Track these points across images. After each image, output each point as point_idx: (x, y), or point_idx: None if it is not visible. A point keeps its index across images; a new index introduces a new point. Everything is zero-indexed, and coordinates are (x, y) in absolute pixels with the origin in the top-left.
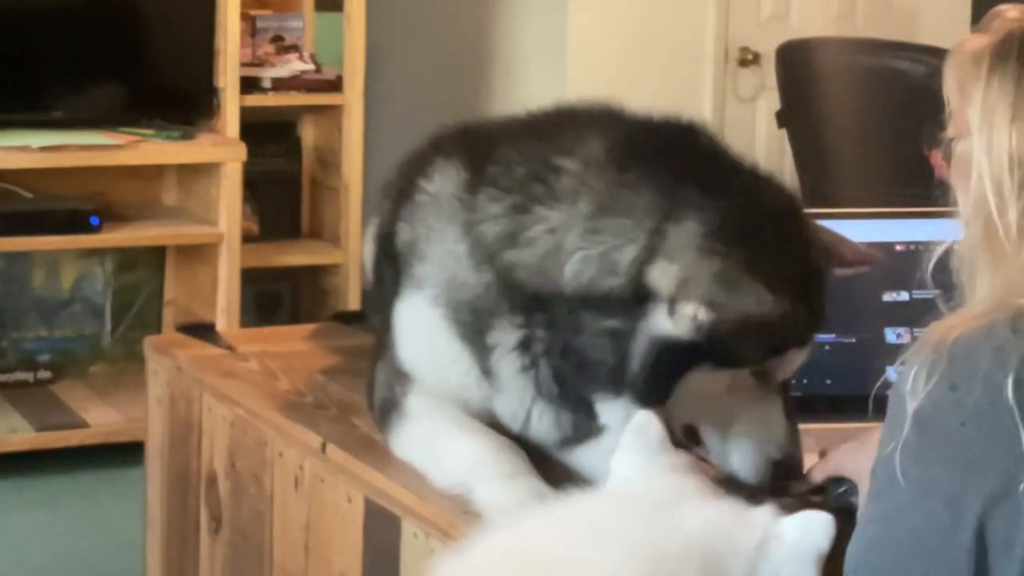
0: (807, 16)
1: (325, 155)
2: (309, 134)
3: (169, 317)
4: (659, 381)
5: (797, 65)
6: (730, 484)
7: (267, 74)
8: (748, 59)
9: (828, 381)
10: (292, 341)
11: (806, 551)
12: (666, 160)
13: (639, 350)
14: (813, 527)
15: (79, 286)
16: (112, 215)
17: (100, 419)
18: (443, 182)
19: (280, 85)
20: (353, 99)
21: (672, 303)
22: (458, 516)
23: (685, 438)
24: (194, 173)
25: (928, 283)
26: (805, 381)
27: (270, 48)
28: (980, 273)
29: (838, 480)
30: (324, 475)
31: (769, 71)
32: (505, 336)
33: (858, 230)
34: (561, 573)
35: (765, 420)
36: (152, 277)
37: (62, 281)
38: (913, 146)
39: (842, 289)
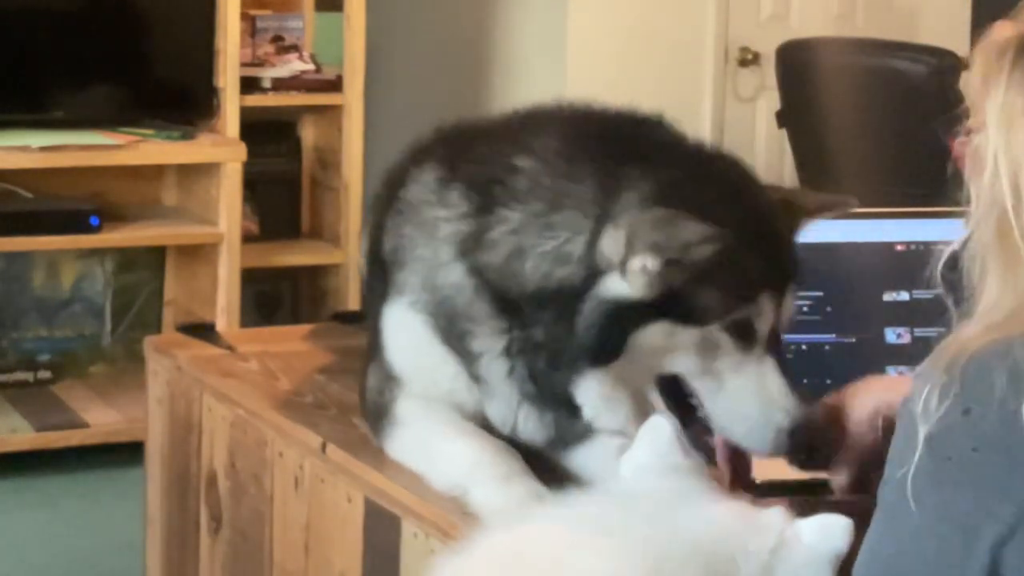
0: (807, 16)
1: (325, 155)
2: (309, 134)
3: (169, 317)
4: (606, 340)
5: (797, 65)
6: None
7: (267, 74)
8: (748, 59)
9: (828, 381)
10: (292, 341)
11: (825, 554)
12: (611, 149)
13: (588, 314)
14: (831, 530)
15: (79, 286)
16: (112, 215)
17: (100, 419)
18: (416, 188)
19: (280, 85)
20: (353, 99)
21: (622, 265)
22: (458, 516)
23: (679, 418)
24: (194, 173)
25: (936, 282)
26: (805, 381)
27: (270, 48)
28: (991, 272)
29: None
30: (324, 475)
31: (769, 71)
32: (491, 342)
33: (858, 230)
34: (561, 574)
35: (760, 384)
36: (152, 277)
37: (62, 281)
38: (913, 146)
39: (842, 289)
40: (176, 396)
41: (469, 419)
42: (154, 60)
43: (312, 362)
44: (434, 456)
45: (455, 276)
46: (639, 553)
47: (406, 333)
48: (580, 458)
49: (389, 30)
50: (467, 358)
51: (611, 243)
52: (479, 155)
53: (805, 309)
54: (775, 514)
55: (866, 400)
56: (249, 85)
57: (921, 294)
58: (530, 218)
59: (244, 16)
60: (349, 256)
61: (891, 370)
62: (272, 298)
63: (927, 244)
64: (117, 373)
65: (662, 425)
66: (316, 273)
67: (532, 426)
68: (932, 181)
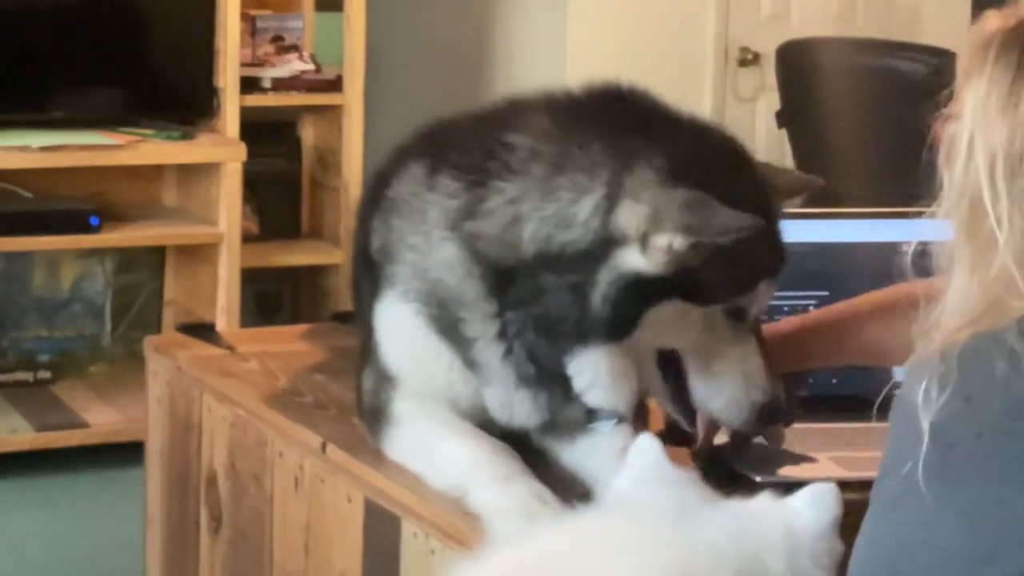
0: (807, 16)
1: (325, 155)
2: (309, 134)
3: (169, 317)
4: (623, 315)
5: (797, 65)
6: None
7: (267, 74)
8: (748, 59)
9: (834, 381)
10: (292, 341)
11: (830, 521)
12: (608, 117)
13: (602, 288)
14: (825, 498)
15: (79, 286)
16: (112, 215)
17: (100, 419)
18: (403, 184)
19: (280, 85)
20: (353, 99)
21: (644, 240)
22: (458, 516)
23: (666, 377)
24: (194, 173)
25: (909, 275)
26: (811, 380)
27: (270, 48)
28: (959, 260)
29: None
30: (324, 475)
31: (769, 71)
32: (484, 327)
33: (858, 230)
34: None
35: (743, 362)
36: (152, 277)
37: (62, 281)
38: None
39: (848, 289)
40: (176, 396)
41: (466, 414)
42: (154, 60)
43: (312, 362)
44: (433, 457)
45: (446, 253)
46: (666, 569)
47: (399, 325)
48: (579, 455)
49: (389, 30)
50: (461, 345)
51: (631, 216)
52: (465, 142)
53: (811, 307)
54: (766, 502)
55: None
56: (249, 85)
57: None
58: (528, 185)
59: (244, 16)
60: (349, 256)
61: (898, 371)
62: (272, 298)
63: (928, 244)
64: (117, 373)
65: (650, 446)
66: (316, 273)
67: (528, 409)
68: (930, 182)
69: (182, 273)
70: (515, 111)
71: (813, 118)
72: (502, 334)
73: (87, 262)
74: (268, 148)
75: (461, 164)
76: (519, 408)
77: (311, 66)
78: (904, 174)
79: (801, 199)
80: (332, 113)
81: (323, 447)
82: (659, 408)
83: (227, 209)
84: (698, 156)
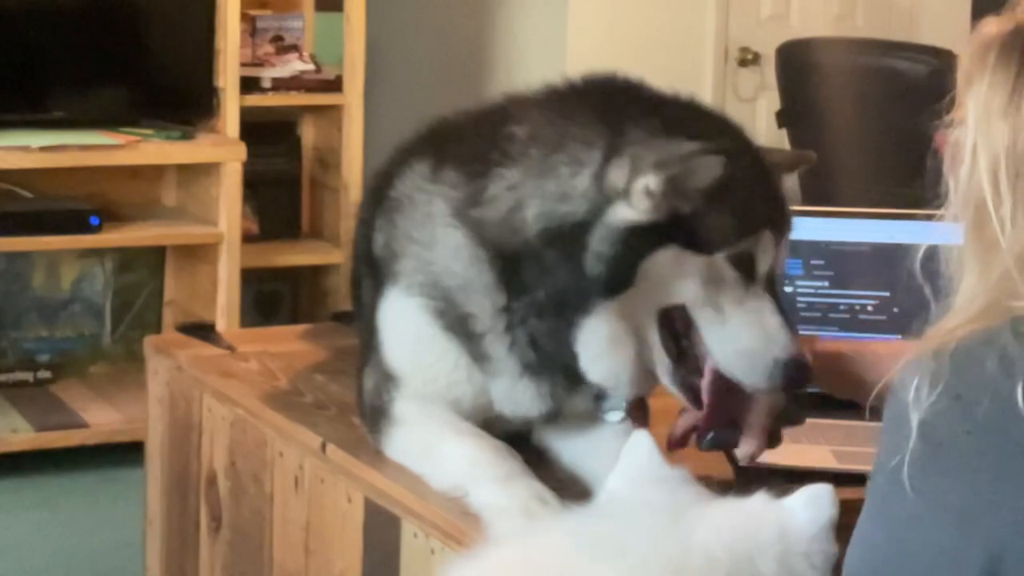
0: (807, 16)
1: (325, 155)
2: (309, 134)
3: (169, 317)
4: (618, 268)
5: (797, 65)
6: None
7: (267, 74)
8: (748, 59)
9: None
10: (292, 341)
11: (824, 523)
12: (603, 98)
13: (595, 247)
14: (820, 500)
15: (79, 286)
16: (112, 215)
17: (100, 419)
18: (405, 182)
19: (280, 85)
20: (353, 99)
21: (627, 189)
22: (458, 516)
23: (670, 341)
24: (194, 173)
25: (916, 275)
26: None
27: (270, 48)
28: (967, 263)
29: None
30: (324, 475)
31: (769, 71)
32: (492, 322)
33: (858, 230)
34: None
35: (760, 318)
36: (152, 277)
37: (62, 281)
38: (913, 146)
39: (910, 291)
40: (176, 396)
41: (468, 414)
42: (154, 60)
43: (312, 362)
44: (434, 457)
45: (451, 240)
46: (657, 569)
47: (403, 322)
48: (578, 454)
49: (389, 30)
50: (470, 339)
51: (617, 172)
52: (465, 136)
53: (870, 308)
54: (761, 502)
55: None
56: (249, 85)
57: None
58: (529, 169)
59: (244, 16)
60: (349, 256)
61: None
62: (272, 298)
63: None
64: (117, 373)
65: (642, 442)
66: (316, 273)
67: (531, 398)
68: (931, 182)
69: (182, 273)
70: (514, 104)
71: (813, 118)
72: (510, 325)
73: (87, 262)
74: (268, 148)
75: (462, 156)
76: (523, 397)
77: (311, 66)
78: (904, 174)
79: (796, 170)
80: (332, 113)
81: (323, 447)
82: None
83: (227, 209)
84: (690, 119)
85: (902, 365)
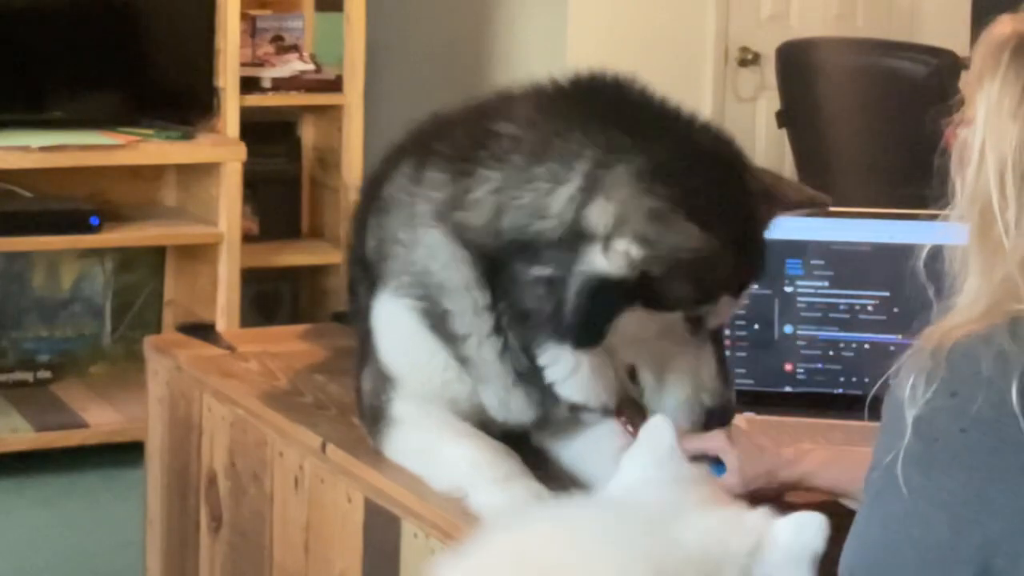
0: (807, 16)
1: (325, 155)
2: (309, 134)
3: (169, 317)
4: (592, 322)
5: (797, 65)
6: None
7: (267, 74)
8: (748, 59)
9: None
10: (292, 341)
11: (800, 552)
12: (593, 108)
13: (573, 291)
14: (806, 528)
15: (79, 286)
16: (112, 215)
17: (100, 419)
18: (393, 183)
19: (280, 85)
20: (353, 99)
21: (607, 241)
22: (458, 516)
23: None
24: (194, 173)
25: (921, 276)
26: (867, 380)
27: (270, 48)
28: (972, 264)
29: (715, 459)
30: (324, 475)
31: (769, 71)
32: (477, 322)
33: (858, 230)
34: None
35: (697, 368)
36: (152, 277)
37: (62, 281)
38: (913, 146)
39: (911, 291)
40: (176, 396)
41: (465, 414)
42: (154, 60)
43: (312, 362)
44: (433, 458)
45: (429, 240)
46: (639, 562)
47: (393, 322)
48: (578, 455)
49: (389, 30)
50: (454, 341)
51: (599, 214)
52: (453, 134)
53: (870, 308)
54: (758, 516)
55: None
56: (249, 85)
57: None
58: (510, 173)
59: (244, 16)
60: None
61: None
62: (272, 298)
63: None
64: (117, 373)
65: (662, 427)
66: (316, 273)
67: (523, 404)
68: (931, 181)
69: (182, 273)
70: (504, 101)
71: (813, 118)
72: (497, 328)
73: (87, 262)
74: (268, 148)
75: (448, 155)
76: (515, 404)
77: (311, 66)
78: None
79: (807, 212)
80: (332, 113)
81: (323, 447)
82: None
83: (227, 209)
84: (682, 160)
85: (900, 364)
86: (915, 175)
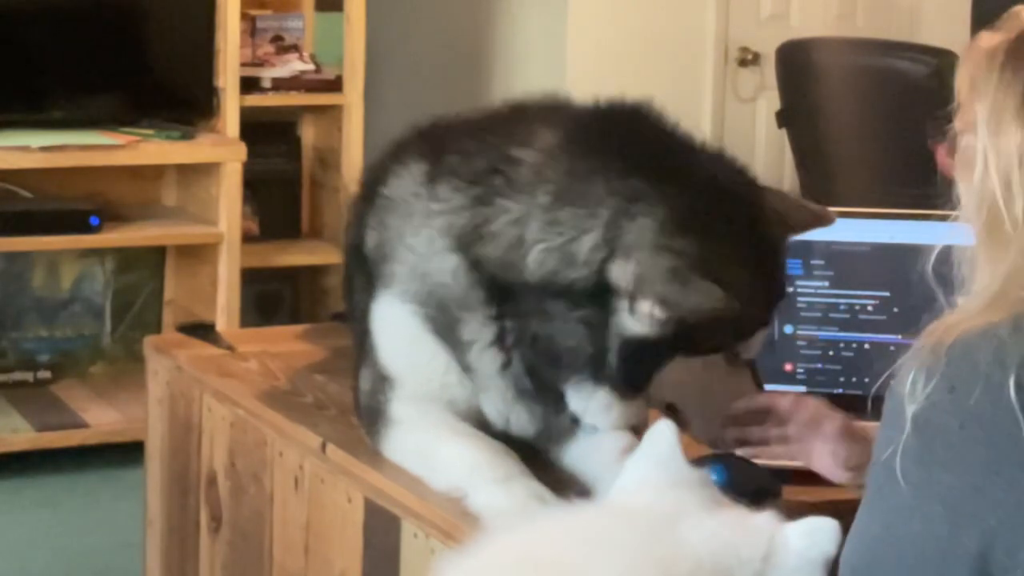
0: (807, 16)
1: (325, 155)
2: (309, 134)
3: (169, 317)
4: (636, 374)
5: (797, 65)
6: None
7: (267, 74)
8: (748, 59)
9: (841, 379)
10: (292, 341)
11: (815, 558)
12: (615, 147)
13: (613, 346)
14: (819, 533)
15: (79, 286)
16: (112, 215)
17: (100, 419)
18: (399, 183)
19: (280, 85)
20: (353, 99)
21: (631, 301)
22: (458, 517)
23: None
24: (194, 173)
25: (929, 279)
26: (867, 380)
27: (270, 48)
28: (980, 267)
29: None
30: (324, 475)
31: (769, 71)
32: (481, 331)
33: (858, 230)
34: None
35: (737, 393)
36: (152, 277)
37: (62, 281)
38: (913, 146)
39: (911, 291)
40: (176, 396)
41: (465, 414)
42: (154, 60)
43: (312, 362)
44: (432, 459)
45: (449, 266)
46: (646, 568)
47: (395, 325)
48: (579, 456)
49: (389, 30)
50: (457, 347)
51: (621, 274)
52: (468, 148)
53: (870, 308)
54: (766, 519)
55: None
56: (249, 85)
57: None
58: (533, 210)
59: (244, 16)
60: None
61: None
62: (272, 298)
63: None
64: (117, 373)
65: (665, 431)
66: (316, 273)
67: (525, 420)
68: (932, 181)
69: (182, 273)
70: (521, 121)
71: (813, 118)
72: (499, 340)
73: (87, 262)
74: (268, 148)
75: (465, 173)
76: (516, 419)
77: (311, 66)
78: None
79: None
80: (332, 113)
81: (323, 447)
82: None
83: (227, 209)
84: (699, 205)
85: (901, 360)
86: (915, 175)
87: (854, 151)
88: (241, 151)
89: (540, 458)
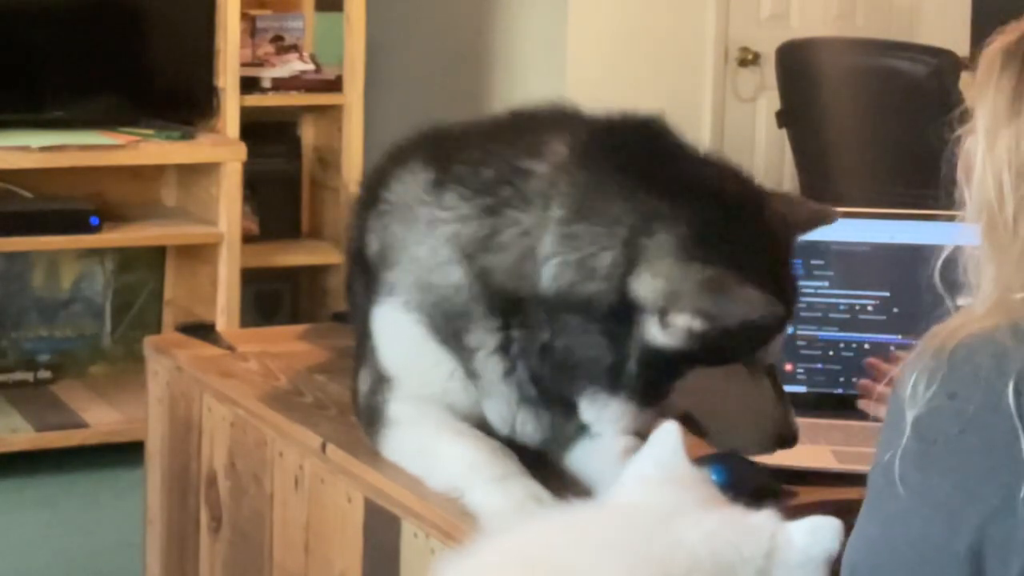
0: (807, 16)
1: (325, 155)
2: (309, 134)
3: (169, 317)
4: (655, 384)
5: (797, 65)
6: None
7: (267, 74)
8: (748, 59)
9: (841, 379)
10: (292, 341)
11: (818, 555)
12: (627, 161)
13: (634, 357)
14: (823, 531)
15: (79, 286)
16: (112, 215)
17: (100, 419)
18: (403, 188)
19: (280, 85)
20: (353, 99)
21: (663, 315)
22: (458, 516)
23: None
24: (194, 173)
25: (936, 284)
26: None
27: (270, 48)
28: (984, 268)
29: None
30: (324, 475)
31: (769, 71)
32: (485, 338)
33: (858, 230)
34: None
35: (759, 400)
36: (152, 277)
37: (62, 281)
38: (913, 146)
39: (911, 291)
40: (176, 396)
41: (464, 414)
42: (154, 60)
43: (312, 362)
44: (430, 458)
45: (455, 277)
46: (644, 567)
47: (399, 333)
48: (580, 458)
49: (389, 30)
50: (462, 354)
51: (647, 289)
52: (475, 157)
53: (870, 308)
54: (766, 518)
55: None
56: (249, 85)
57: None
58: (545, 223)
59: (244, 16)
60: None
61: None
62: (272, 298)
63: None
64: (117, 373)
65: (671, 432)
66: (316, 273)
67: (530, 428)
68: (931, 181)
69: (182, 273)
70: (529, 130)
71: (813, 118)
72: (503, 348)
73: (87, 262)
74: (268, 148)
75: (471, 183)
76: (520, 426)
77: (311, 66)
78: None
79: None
80: (332, 113)
81: (323, 447)
82: None
83: (227, 209)
84: (714, 216)
85: (902, 364)
86: (915, 175)
87: (854, 151)
88: (241, 151)
89: (540, 458)
